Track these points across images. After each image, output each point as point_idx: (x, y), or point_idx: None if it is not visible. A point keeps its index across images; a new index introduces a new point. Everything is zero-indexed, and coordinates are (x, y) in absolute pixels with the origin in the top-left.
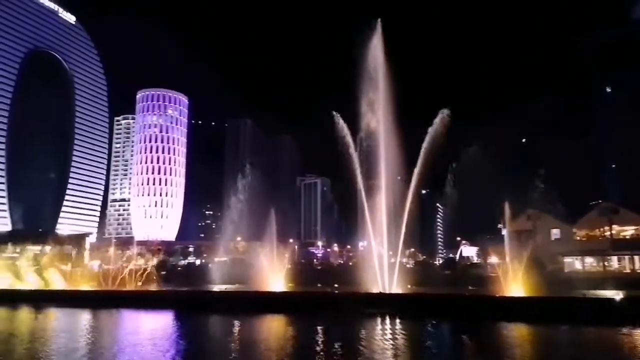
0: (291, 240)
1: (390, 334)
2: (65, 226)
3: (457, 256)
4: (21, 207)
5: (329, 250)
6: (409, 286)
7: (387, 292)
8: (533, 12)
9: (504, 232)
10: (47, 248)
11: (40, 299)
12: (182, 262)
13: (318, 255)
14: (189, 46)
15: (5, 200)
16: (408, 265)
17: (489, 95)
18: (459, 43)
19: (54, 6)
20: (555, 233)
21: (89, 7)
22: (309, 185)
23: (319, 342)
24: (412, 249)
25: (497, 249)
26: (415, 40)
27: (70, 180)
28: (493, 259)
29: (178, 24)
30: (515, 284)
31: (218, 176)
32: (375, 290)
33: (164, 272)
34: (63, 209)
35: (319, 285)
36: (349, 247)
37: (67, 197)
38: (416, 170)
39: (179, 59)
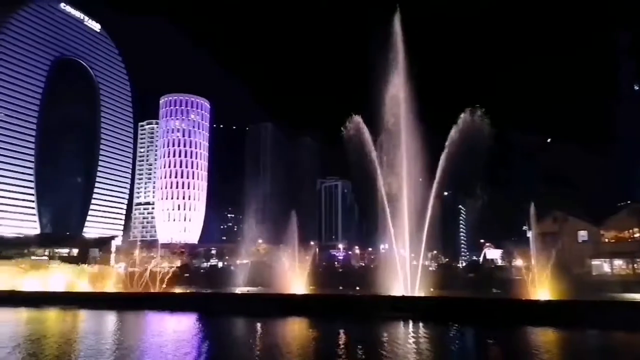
0: (312, 243)
1: (413, 338)
2: (92, 229)
3: (481, 259)
4: (49, 211)
5: (350, 252)
6: (431, 289)
7: (410, 295)
8: (558, 11)
9: (529, 234)
10: (75, 251)
11: (69, 301)
12: (205, 265)
13: (339, 257)
14: (210, 51)
15: (34, 204)
16: (430, 268)
17: (513, 95)
18: (484, 41)
19: (80, 15)
20: (583, 235)
21: (114, 15)
22: (329, 188)
23: (341, 346)
24: (435, 252)
25: (522, 252)
26: (437, 37)
27: (97, 185)
28: (518, 262)
29: (199, 30)
30: (541, 287)
31: (239, 179)
32: (397, 293)
33: (187, 275)
34: (90, 212)
35: (340, 287)
36: (370, 249)
37: (93, 201)
38: (438, 172)
39: (201, 63)
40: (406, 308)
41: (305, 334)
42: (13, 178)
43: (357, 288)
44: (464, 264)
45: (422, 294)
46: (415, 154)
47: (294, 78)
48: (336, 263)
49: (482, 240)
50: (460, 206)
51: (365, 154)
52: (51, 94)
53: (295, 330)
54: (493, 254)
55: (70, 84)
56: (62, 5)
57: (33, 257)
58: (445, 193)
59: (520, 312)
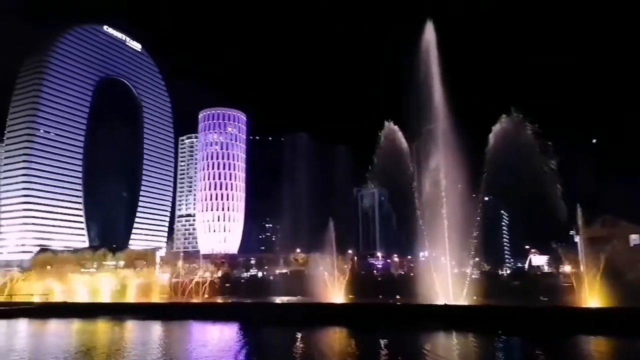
0: (350, 251)
1: (457, 348)
2: (137, 241)
3: (527, 265)
4: (97, 225)
5: (389, 260)
6: (474, 297)
7: (453, 303)
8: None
9: (577, 239)
10: (121, 263)
11: (117, 311)
12: (245, 275)
13: (378, 266)
14: (245, 62)
15: (82, 219)
16: (473, 276)
17: (554, 93)
18: (522, 40)
19: (121, 36)
20: (635, 239)
21: (153, 34)
22: (366, 196)
23: (382, 357)
24: (477, 259)
25: (570, 257)
26: (472, 38)
27: (141, 198)
28: (566, 268)
29: (232, 41)
30: (592, 294)
31: (276, 190)
32: (439, 302)
33: (227, 284)
34: (135, 225)
35: (380, 296)
36: (409, 257)
37: (138, 214)
38: (484, 175)
39: (237, 76)
40: (449, 317)
41: (345, 344)
42: (63, 194)
43: (398, 297)
44: (508, 271)
45: (466, 303)
46: (453, 158)
47: (328, 87)
48: (375, 272)
49: (527, 247)
50: (502, 211)
51: (401, 161)
52: (96, 113)
53: (336, 340)
54: (539, 260)
55: (114, 103)
56: (105, 27)
57: (82, 270)
58: (486, 198)
59: (570, 321)
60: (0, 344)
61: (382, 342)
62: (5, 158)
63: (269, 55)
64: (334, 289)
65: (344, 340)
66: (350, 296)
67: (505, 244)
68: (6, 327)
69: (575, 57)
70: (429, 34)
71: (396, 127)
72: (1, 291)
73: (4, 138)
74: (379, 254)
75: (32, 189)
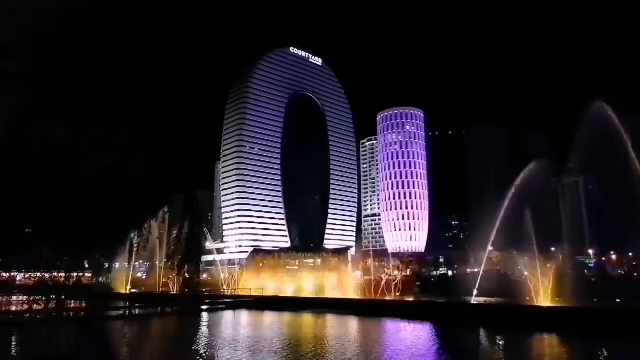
0: (553, 249)
1: None
2: (330, 241)
3: None
4: (297, 227)
5: (603, 258)
6: None
7: None
8: None
9: None
10: (319, 261)
11: (319, 305)
12: (434, 273)
13: (590, 265)
14: (419, 59)
15: (284, 222)
16: None
17: None
18: None
19: (304, 54)
20: None
21: (332, 47)
22: (569, 186)
23: None
24: None
25: None
26: None
27: (331, 201)
28: None
29: (405, 40)
30: None
31: (461, 185)
32: None
33: (418, 283)
34: (327, 226)
35: (594, 300)
36: (630, 254)
37: (329, 216)
38: None
39: (413, 74)
40: None
41: (561, 353)
42: (268, 202)
43: (618, 300)
44: None
45: None
46: None
47: (509, 72)
48: (586, 271)
49: None
50: None
51: (616, 142)
52: (289, 126)
53: (547, 347)
54: None
55: (303, 116)
56: (292, 48)
57: (287, 267)
58: None
59: None
60: (229, 333)
61: (604, 354)
62: (223, 174)
63: (440, 49)
64: (537, 290)
65: (558, 349)
66: (557, 299)
67: None
68: (232, 317)
69: None
70: None
71: (605, 104)
72: (227, 285)
73: (221, 157)
74: (591, 251)
75: (245, 198)
